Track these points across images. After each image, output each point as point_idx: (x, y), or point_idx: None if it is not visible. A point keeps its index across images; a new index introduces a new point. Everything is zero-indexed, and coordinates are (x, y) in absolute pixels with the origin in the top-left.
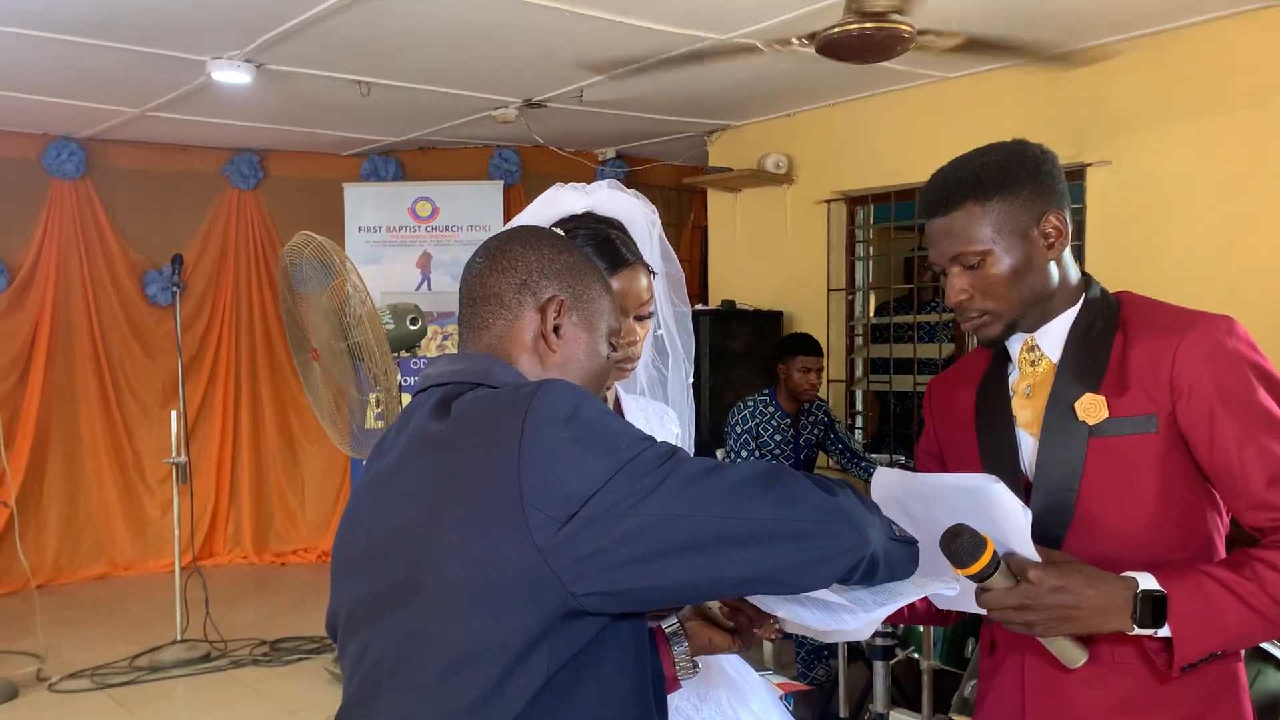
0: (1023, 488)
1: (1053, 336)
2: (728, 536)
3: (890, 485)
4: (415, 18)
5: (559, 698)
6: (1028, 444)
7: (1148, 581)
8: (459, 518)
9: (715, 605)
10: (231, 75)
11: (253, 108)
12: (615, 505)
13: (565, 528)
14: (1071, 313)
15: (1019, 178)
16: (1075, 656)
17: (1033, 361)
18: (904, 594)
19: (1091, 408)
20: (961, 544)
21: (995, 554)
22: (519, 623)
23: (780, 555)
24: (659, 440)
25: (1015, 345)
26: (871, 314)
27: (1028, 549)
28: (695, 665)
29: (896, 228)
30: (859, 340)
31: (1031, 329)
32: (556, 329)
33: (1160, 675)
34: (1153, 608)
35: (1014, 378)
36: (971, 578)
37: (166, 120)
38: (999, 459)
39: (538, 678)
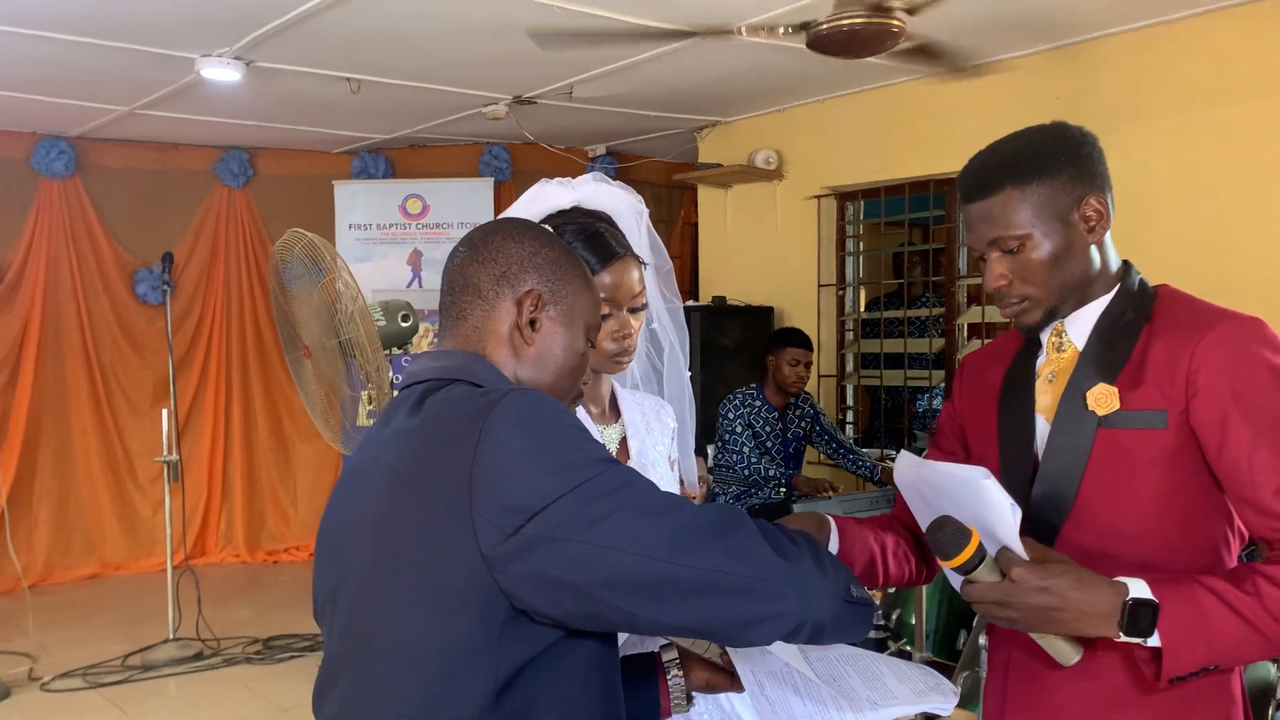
0: (1032, 471)
1: (1081, 324)
2: (667, 582)
3: (907, 471)
4: (404, 14)
5: (519, 713)
6: (1043, 429)
7: (1139, 589)
8: (413, 517)
9: (714, 650)
10: (221, 73)
11: (242, 105)
12: (561, 527)
13: (510, 540)
14: (1104, 301)
15: (1059, 160)
16: (1068, 654)
17: (1058, 347)
18: (898, 699)
19: (1103, 398)
20: (945, 536)
21: (980, 547)
22: (464, 626)
23: (718, 608)
24: (621, 465)
25: (1045, 329)
26: (862, 309)
27: (1015, 545)
28: (689, 699)
29: (886, 223)
30: (849, 335)
31: (1067, 314)
32: (533, 322)
33: (1140, 674)
34: (1143, 616)
35: (1040, 361)
36: (956, 570)
37: (156, 118)
38: (1013, 440)
39: (486, 684)
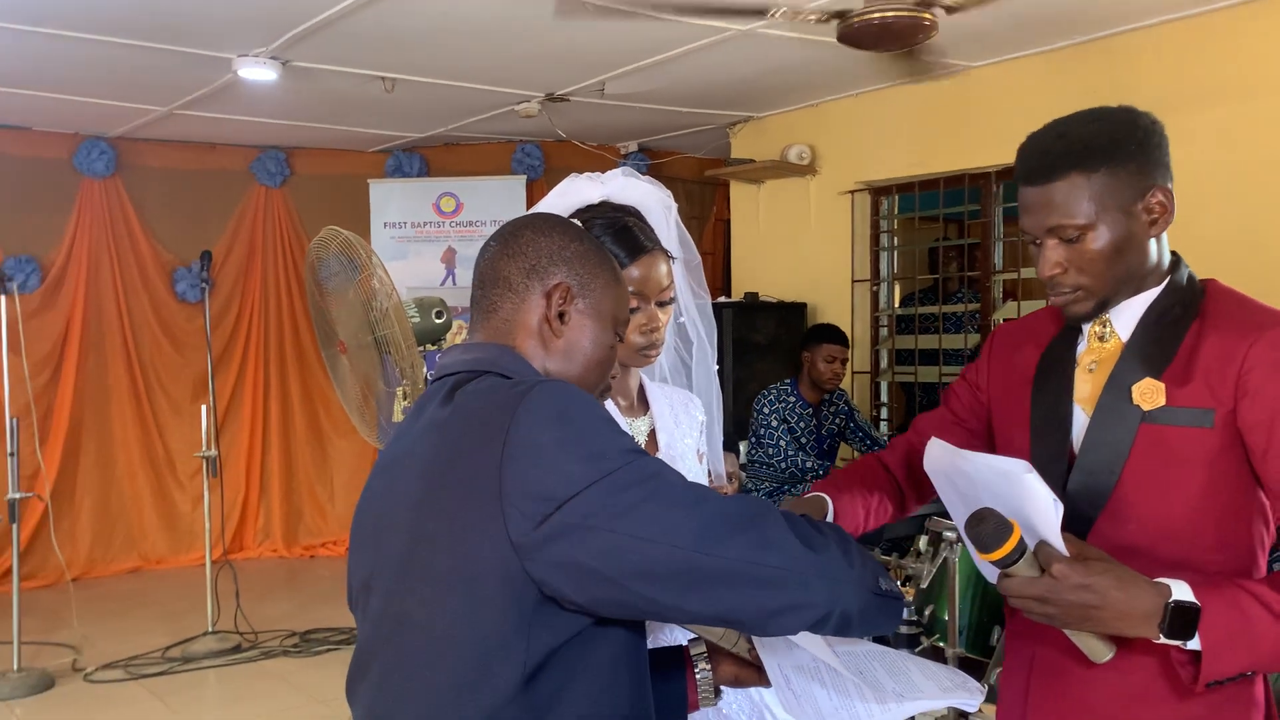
0: (1067, 462)
1: (1128, 316)
2: (694, 572)
3: (940, 459)
4: (438, 13)
5: (548, 700)
6: (1080, 419)
7: (1182, 591)
8: (445, 506)
9: (742, 645)
10: (258, 72)
11: (279, 105)
12: (589, 516)
13: (540, 528)
14: (1152, 294)
15: (1128, 149)
16: (1101, 652)
17: (1101, 337)
18: (924, 694)
19: (1149, 393)
20: (986, 529)
21: (1021, 541)
22: (494, 613)
23: (745, 598)
24: (649, 456)
25: (1093, 319)
26: (896, 305)
27: (1056, 541)
28: (718, 692)
29: (921, 218)
30: (884, 331)
31: (1117, 305)
32: (561, 315)
33: (1167, 673)
34: (1184, 619)
35: (1080, 349)
36: (995, 563)
37: (194, 118)
38: (1048, 429)
39: (516, 670)
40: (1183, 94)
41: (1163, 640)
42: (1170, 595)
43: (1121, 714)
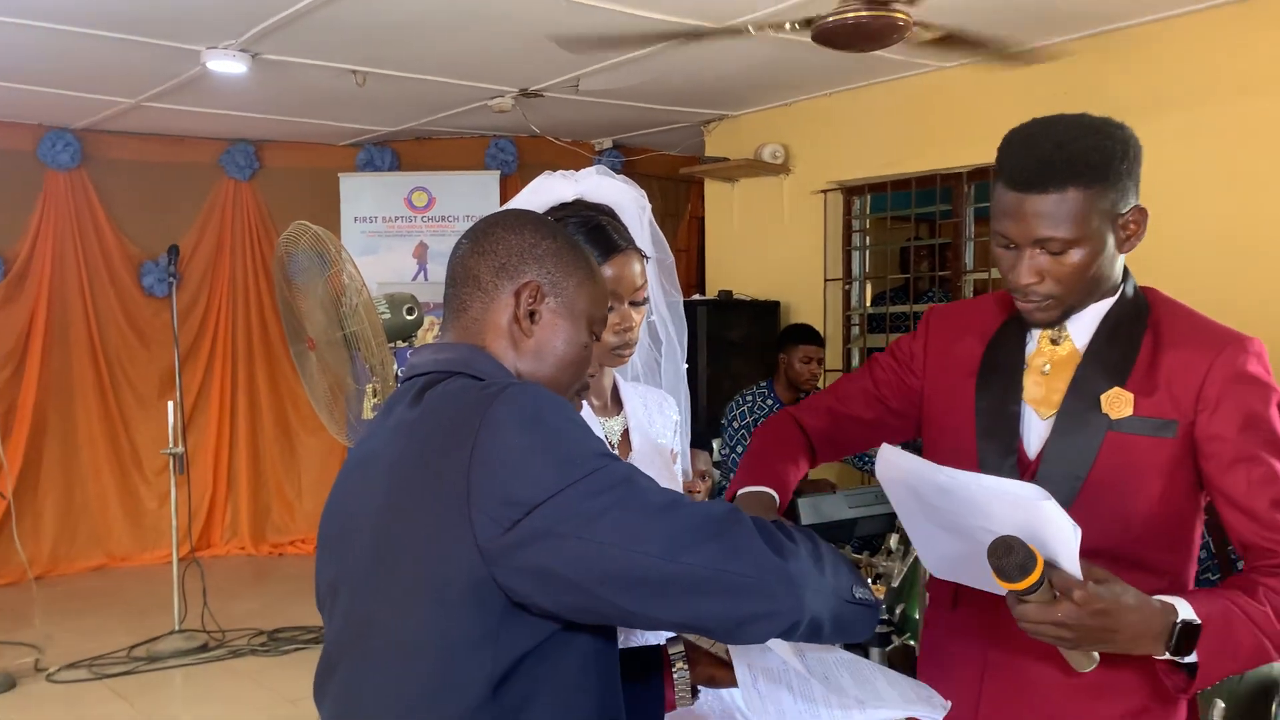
0: (1017, 463)
1: (1083, 323)
2: (663, 579)
3: (899, 468)
4: (411, 7)
5: (517, 706)
6: (1033, 421)
7: (1185, 610)
8: (412, 509)
9: (720, 645)
10: (227, 65)
11: (248, 98)
12: (559, 522)
13: (508, 534)
14: (1107, 303)
15: (1120, 167)
16: (1085, 662)
17: (1055, 340)
18: (887, 703)
19: (1118, 402)
20: (1014, 561)
21: (1044, 571)
22: (461, 618)
23: (714, 606)
24: (620, 461)
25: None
26: (868, 304)
27: (1073, 566)
28: (695, 693)
29: (893, 218)
30: (855, 330)
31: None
32: (532, 314)
33: (1117, 660)
34: (1187, 637)
35: (1030, 349)
36: (1016, 593)
37: (162, 111)
38: (997, 427)
39: (484, 676)
40: (1158, 95)
41: (1166, 657)
42: (1177, 616)
43: (1075, 710)
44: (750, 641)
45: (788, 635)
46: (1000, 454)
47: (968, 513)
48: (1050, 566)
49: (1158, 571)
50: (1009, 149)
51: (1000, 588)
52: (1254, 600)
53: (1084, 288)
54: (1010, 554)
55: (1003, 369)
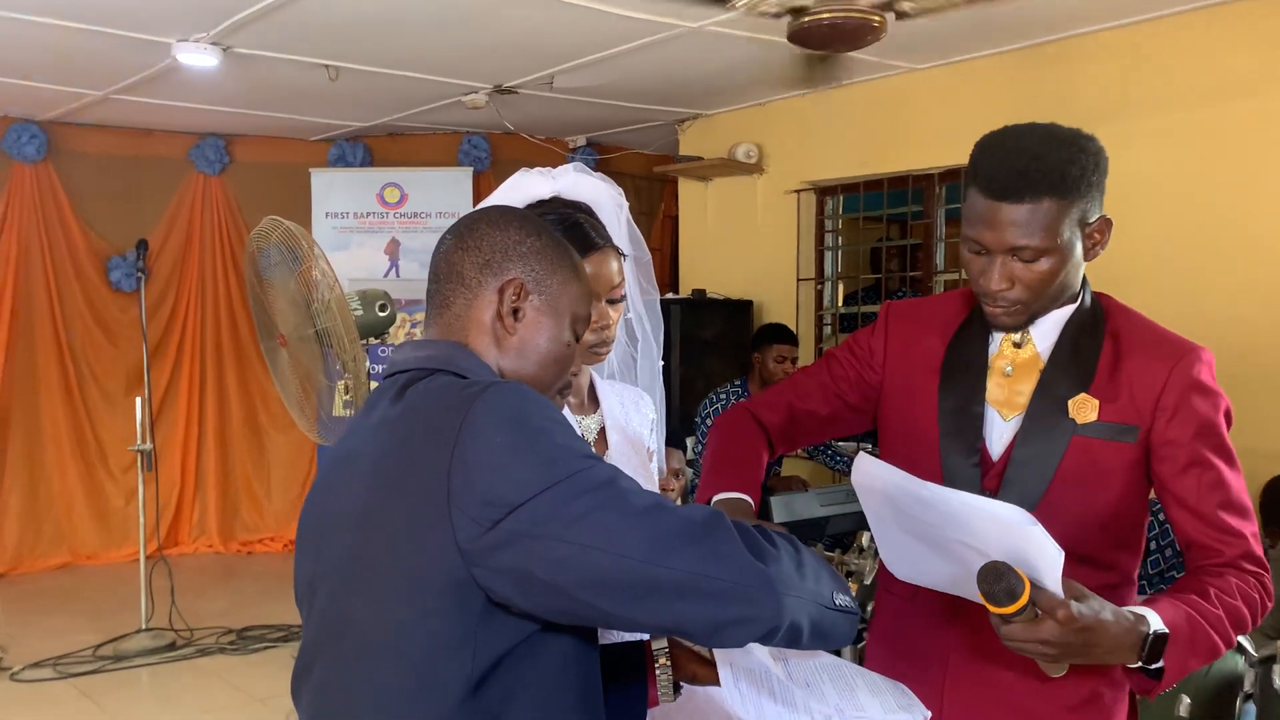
0: (979, 463)
1: (1046, 328)
2: (643, 583)
3: (877, 478)
4: (384, 1)
5: (496, 706)
6: (996, 422)
7: (1156, 622)
8: (392, 507)
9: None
10: (197, 58)
11: (219, 91)
12: (540, 524)
13: (489, 534)
14: (1068, 309)
15: (1091, 179)
16: (1057, 669)
17: (1017, 344)
18: (867, 711)
19: (1084, 408)
20: (1003, 587)
21: (1031, 596)
22: (440, 618)
23: (694, 610)
24: (603, 462)
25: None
26: (840, 303)
27: (1056, 586)
28: (677, 689)
29: (865, 218)
30: (828, 329)
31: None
32: (515, 311)
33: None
34: (1157, 646)
35: (992, 351)
36: (1004, 616)
37: (131, 103)
38: (960, 427)
39: (463, 676)
40: (1126, 101)
41: (1138, 665)
42: (1149, 627)
43: (1037, 697)
44: (729, 645)
45: (766, 640)
46: (963, 454)
47: (947, 526)
48: (1035, 588)
49: (1110, 568)
50: (983, 156)
51: (979, 600)
52: (1208, 604)
53: (1050, 294)
54: (1000, 580)
55: (966, 370)
